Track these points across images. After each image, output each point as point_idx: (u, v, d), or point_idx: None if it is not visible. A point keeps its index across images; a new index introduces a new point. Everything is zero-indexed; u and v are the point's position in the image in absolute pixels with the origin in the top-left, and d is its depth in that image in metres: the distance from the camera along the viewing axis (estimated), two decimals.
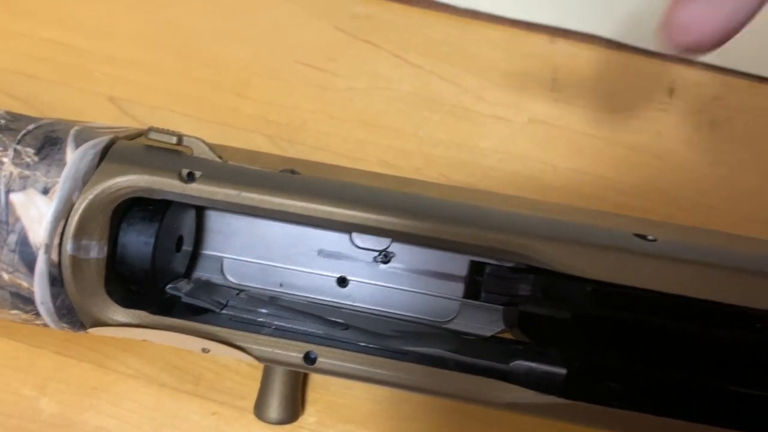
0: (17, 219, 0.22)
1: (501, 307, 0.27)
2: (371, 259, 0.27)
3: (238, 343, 0.23)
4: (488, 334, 0.27)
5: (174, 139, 0.24)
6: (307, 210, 0.22)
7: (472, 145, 0.35)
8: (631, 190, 0.34)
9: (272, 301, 0.26)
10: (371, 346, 0.24)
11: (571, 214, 0.28)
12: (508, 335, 0.28)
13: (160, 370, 0.31)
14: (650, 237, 0.22)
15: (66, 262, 0.23)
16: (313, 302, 0.27)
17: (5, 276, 0.23)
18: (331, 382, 0.31)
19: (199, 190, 0.22)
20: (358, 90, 0.36)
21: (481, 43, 0.36)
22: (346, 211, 0.22)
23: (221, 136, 0.34)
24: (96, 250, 0.23)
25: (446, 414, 0.30)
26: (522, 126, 0.35)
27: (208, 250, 0.28)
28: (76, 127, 0.25)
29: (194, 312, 0.25)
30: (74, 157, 0.23)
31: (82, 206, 0.22)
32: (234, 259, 0.28)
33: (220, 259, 0.28)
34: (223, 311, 0.25)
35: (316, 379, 0.31)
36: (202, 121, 0.35)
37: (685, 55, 0.26)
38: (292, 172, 0.24)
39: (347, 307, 0.27)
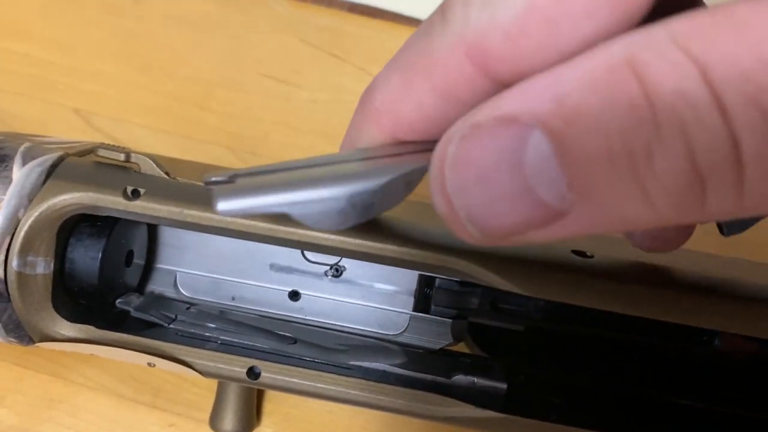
0: None
1: (450, 320, 0.27)
2: (323, 273, 0.28)
3: (182, 358, 0.23)
4: (437, 347, 0.27)
5: (122, 156, 0.24)
6: (248, 227, 0.22)
7: None
8: None
9: (221, 315, 0.26)
10: (317, 360, 0.24)
11: None
12: (460, 347, 0.28)
13: (119, 381, 0.31)
14: (588, 254, 0.23)
15: (12, 278, 0.23)
16: (265, 316, 0.27)
17: None
18: (287, 394, 0.31)
19: (143, 207, 0.22)
20: (322, 102, 0.36)
21: None
22: (287, 228, 0.22)
23: (183, 148, 0.35)
24: (42, 266, 0.23)
25: (399, 426, 0.30)
26: None
27: (162, 264, 0.28)
28: (25, 144, 0.25)
29: (144, 326, 0.25)
30: (20, 174, 0.23)
31: (28, 223, 0.23)
32: (187, 272, 0.28)
33: (174, 273, 0.28)
34: (172, 325, 0.25)
35: (272, 391, 0.31)
36: (165, 133, 0.35)
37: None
38: None
39: (299, 320, 0.28)
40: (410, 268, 0.23)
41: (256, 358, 0.23)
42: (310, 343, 0.25)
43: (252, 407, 0.29)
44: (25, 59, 0.36)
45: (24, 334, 0.24)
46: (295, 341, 0.25)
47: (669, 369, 0.27)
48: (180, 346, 0.23)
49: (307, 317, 0.28)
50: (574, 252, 0.23)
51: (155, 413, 0.31)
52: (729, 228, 0.19)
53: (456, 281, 0.27)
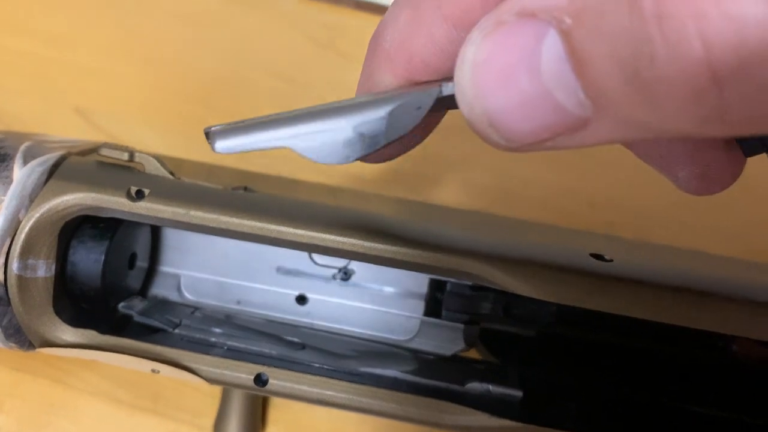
0: None
1: (462, 325, 0.26)
2: (331, 276, 0.27)
3: (187, 364, 0.22)
4: (449, 353, 0.26)
5: (125, 155, 0.23)
6: (255, 229, 0.21)
7: (442, 157, 0.35)
8: (602, 204, 0.34)
9: (227, 320, 0.26)
10: (326, 367, 0.24)
11: (530, 231, 0.27)
12: (472, 353, 0.27)
13: (118, 386, 0.30)
14: (607, 257, 0.22)
15: (12, 282, 0.22)
16: (271, 320, 0.27)
17: None
18: (293, 401, 0.30)
19: (147, 208, 0.22)
20: (328, 100, 0.36)
21: None
22: (296, 231, 0.21)
23: (187, 148, 0.34)
24: (43, 269, 0.23)
25: None
26: None
27: (166, 267, 0.27)
28: (26, 143, 0.24)
29: (147, 331, 0.25)
30: (21, 174, 0.22)
31: (29, 225, 0.22)
32: (191, 275, 0.27)
33: (178, 276, 0.27)
34: (176, 330, 0.25)
35: (277, 398, 0.30)
36: (168, 132, 0.35)
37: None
38: (245, 189, 0.23)
39: (306, 325, 0.27)
40: (421, 272, 0.22)
41: (264, 365, 0.22)
42: (318, 349, 0.25)
43: (258, 414, 0.28)
44: (24, 56, 0.35)
45: (24, 339, 0.23)
46: (303, 347, 0.25)
47: (685, 375, 0.26)
48: (184, 352, 0.22)
49: (314, 322, 0.27)
50: (593, 255, 0.22)
51: (155, 419, 0.30)
52: (750, 147, 0.17)
53: (467, 285, 0.26)
